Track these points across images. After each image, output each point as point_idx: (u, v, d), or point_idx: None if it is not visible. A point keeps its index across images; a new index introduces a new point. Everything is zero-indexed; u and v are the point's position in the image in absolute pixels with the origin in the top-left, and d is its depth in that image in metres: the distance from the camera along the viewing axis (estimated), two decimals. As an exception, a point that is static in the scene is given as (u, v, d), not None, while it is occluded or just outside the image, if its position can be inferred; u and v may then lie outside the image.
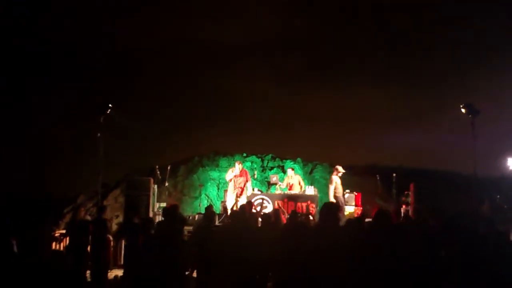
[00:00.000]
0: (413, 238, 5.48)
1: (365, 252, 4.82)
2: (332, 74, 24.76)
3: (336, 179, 12.97)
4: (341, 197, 12.96)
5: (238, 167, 13.24)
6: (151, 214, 11.84)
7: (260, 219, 8.83)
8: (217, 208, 14.11)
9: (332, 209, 5.49)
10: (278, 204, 12.85)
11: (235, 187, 12.97)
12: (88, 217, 10.62)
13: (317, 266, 5.56)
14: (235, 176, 13.04)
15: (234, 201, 12.64)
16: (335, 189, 12.85)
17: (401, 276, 4.61)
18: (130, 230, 8.53)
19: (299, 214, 10.69)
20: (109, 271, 9.37)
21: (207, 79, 25.01)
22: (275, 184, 14.10)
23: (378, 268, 4.61)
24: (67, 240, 10.49)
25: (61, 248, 10.52)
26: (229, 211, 11.73)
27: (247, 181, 13.21)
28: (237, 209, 10.85)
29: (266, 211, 12.84)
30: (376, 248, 4.80)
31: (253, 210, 10.52)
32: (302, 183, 14.02)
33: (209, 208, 8.79)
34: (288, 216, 9.45)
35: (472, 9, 21.75)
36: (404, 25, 23.79)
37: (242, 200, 12.62)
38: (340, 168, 13.12)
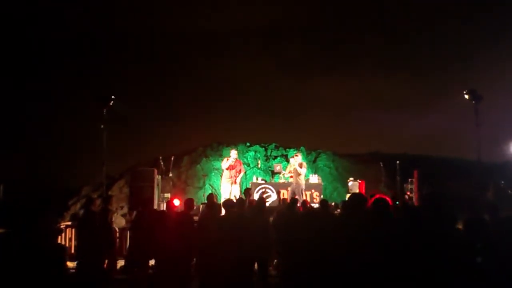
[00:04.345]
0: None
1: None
2: (335, 61, 24.66)
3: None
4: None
5: (233, 155, 13.02)
6: (155, 205, 11.87)
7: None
8: (221, 198, 14.18)
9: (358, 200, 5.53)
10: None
11: (230, 176, 12.84)
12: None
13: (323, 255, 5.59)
14: (230, 165, 12.86)
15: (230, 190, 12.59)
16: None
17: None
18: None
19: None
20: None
21: (210, 69, 24.97)
22: (279, 173, 14.11)
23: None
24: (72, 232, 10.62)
25: (68, 239, 10.64)
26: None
27: (240, 171, 13.05)
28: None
29: (270, 200, 12.89)
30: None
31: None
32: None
33: (211, 198, 8.81)
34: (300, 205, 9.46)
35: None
36: (407, 10, 23.62)
37: (235, 189, 12.59)
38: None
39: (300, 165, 12.61)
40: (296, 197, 11.89)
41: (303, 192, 12.55)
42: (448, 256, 4.44)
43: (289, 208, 8.14)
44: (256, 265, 7.24)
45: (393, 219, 5.53)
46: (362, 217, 5.40)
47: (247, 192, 10.45)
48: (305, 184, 13.46)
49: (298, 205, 9.21)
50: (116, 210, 13.97)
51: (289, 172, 13.74)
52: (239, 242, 6.56)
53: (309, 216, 7.33)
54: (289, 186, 13.11)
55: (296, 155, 13.04)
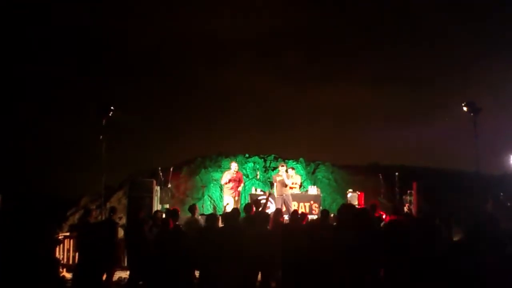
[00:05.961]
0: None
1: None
2: (334, 71, 24.74)
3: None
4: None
5: (234, 168, 13.06)
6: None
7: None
8: (220, 209, 14.18)
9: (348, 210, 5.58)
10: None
11: (232, 187, 12.81)
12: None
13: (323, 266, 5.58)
14: (232, 178, 12.89)
15: (233, 203, 12.57)
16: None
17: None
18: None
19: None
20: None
21: (207, 79, 25.04)
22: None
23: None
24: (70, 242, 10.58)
25: (66, 250, 10.59)
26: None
27: (240, 182, 13.07)
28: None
29: (269, 211, 12.83)
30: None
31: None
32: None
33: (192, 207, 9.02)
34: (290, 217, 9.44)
35: (471, 4, 21.75)
36: (406, 22, 23.77)
37: (237, 202, 12.60)
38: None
39: (288, 176, 12.66)
40: (284, 209, 11.88)
41: (288, 204, 12.54)
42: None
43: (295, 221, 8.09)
44: (259, 277, 7.22)
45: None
46: (353, 227, 5.45)
47: (249, 207, 10.33)
48: (304, 196, 13.43)
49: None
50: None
51: (273, 181, 13.37)
52: (238, 255, 6.54)
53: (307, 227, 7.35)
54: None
55: (282, 166, 13.06)
